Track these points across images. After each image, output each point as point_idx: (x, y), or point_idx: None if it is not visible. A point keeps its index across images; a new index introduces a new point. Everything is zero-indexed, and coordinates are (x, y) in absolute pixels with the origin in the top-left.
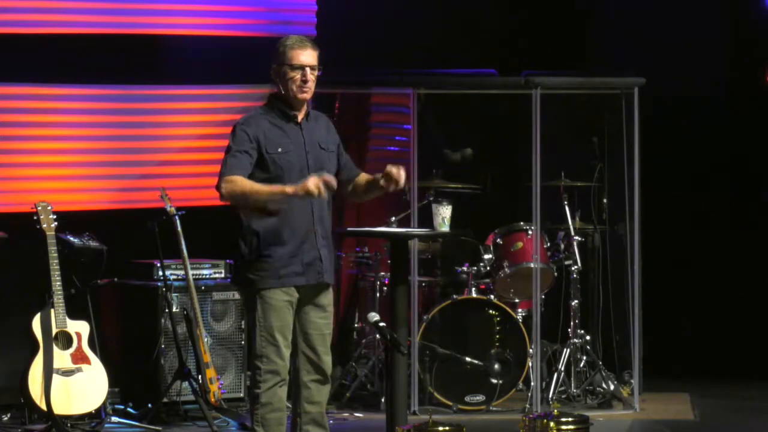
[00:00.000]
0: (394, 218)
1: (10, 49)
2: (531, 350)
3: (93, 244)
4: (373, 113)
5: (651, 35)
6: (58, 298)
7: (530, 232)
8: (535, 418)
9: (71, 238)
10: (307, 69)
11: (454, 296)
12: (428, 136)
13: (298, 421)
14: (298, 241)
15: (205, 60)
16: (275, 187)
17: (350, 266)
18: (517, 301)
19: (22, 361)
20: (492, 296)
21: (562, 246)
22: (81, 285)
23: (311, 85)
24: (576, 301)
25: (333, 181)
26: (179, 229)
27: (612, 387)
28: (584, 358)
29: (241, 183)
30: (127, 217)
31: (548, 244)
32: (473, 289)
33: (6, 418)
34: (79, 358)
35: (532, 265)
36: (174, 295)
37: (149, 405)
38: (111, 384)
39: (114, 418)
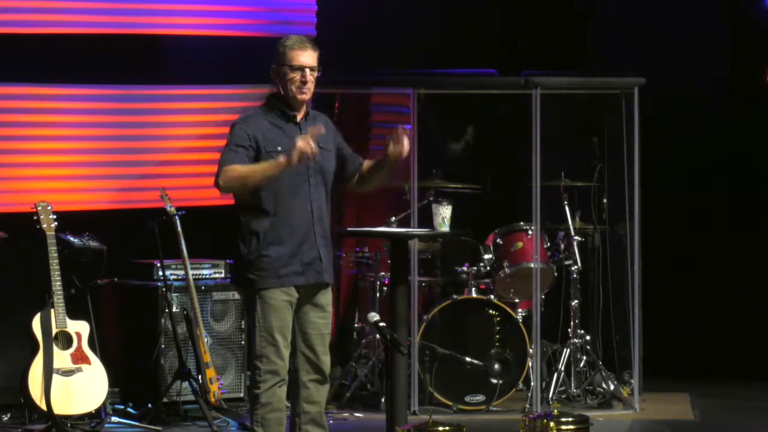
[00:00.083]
0: (394, 218)
1: (10, 49)
2: (531, 350)
3: (93, 244)
4: (373, 113)
5: (651, 35)
6: (58, 298)
7: (530, 232)
8: (535, 418)
9: (71, 238)
10: (307, 70)
11: (454, 296)
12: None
13: (297, 421)
14: (298, 241)
15: (205, 60)
16: (269, 162)
17: (350, 266)
18: (517, 301)
19: (22, 361)
20: (492, 296)
21: (562, 246)
22: (81, 285)
23: (310, 86)
24: (576, 301)
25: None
26: (179, 229)
27: (612, 387)
28: (584, 358)
29: (236, 169)
30: (127, 217)
31: (548, 244)
32: (473, 289)
33: (6, 418)
34: (79, 358)
35: (532, 265)
36: (174, 295)
37: (149, 405)
38: (111, 384)
39: (114, 418)
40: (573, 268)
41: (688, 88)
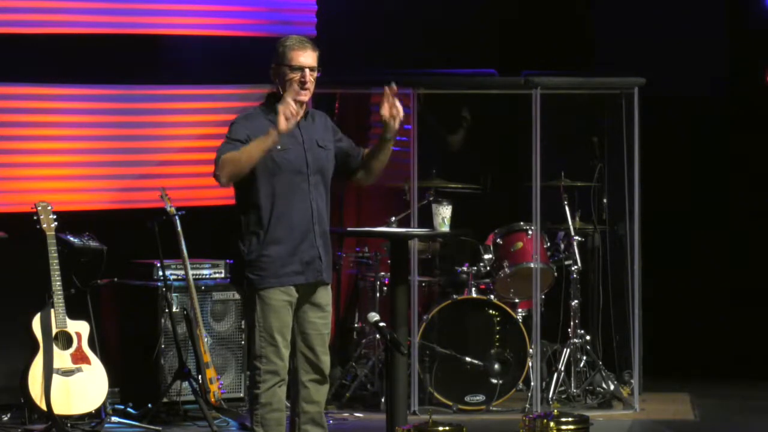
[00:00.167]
0: (394, 218)
1: (10, 49)
2: (531, 350)
3: (93, 244)
4: (373, 113)
5: (651, 35)
6: (58, 298)
7: (530, 232)
8: (535, 418)
9: (71, 238)
10: (306, 70)
11: (454, 296)
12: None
13: (296, 421)
14: (297, 240)
15: (205, 60)
16: (259, 138)
17: (350, 266)
18: (517, 301)
19: (22, 361)
20: (492, 296)
21: (562, 246)
22: (81, 285)
23: (310, 86)
24: (576, 301)
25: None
26: (179, 229)
27: (612, 387)
28: (584, 358)
29: (231, 154)
30: (127, 217)
31: (548, 244)
32: (473, 289)
33: (6, 418)
34: (79, 358)
35: (532, 265)
36: (174, 295)
37: (149, 405)
38: (111, 384)
39: (114, 418)
40: (573, 268)
41: (688, 88)
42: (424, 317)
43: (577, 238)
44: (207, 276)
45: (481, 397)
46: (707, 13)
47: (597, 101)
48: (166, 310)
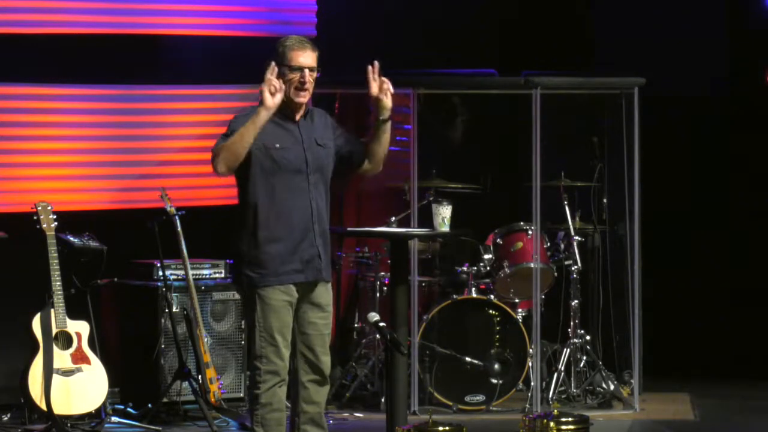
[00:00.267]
0: (394, 218)
1: (10, 49)
2: (531, 350)
3: (93, 244)
4: (373, 113)
5: (651, 35)
6: (58, 298)
7: (530, 232)
8: (535, 418)
9: (71, 238)
10: (306, 70)
11: (454, 296)
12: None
13: (296, 421)
14: (297, 239)
15: (205, 60)
16: (251, 119)
17: (350, 266)
18: (517, 301)
19: (22, 361)
20: (492, 296)
21: (562, 246)
22: (81, 285)
23: (309, 87)
24: (576, 301)
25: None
26: (179, 229)
27: (612, 387)
28: (584, 358)
29: (224, 142)
30: (127, 217)
31: (548, 244)
32: (473, 289)
33: (6, 418)
34: (79, 358)
35: (532, 265)
36: (174, 295)
37: (149, 405)
38: (111, 384)
39: (114, 418)
40: (573, 268)
41: (688, 88)
42: (424, 317)
43: (577, 238)
44: (207, 276)
45: (481, 397)
46: (707, 13)
47: (597, 101)
48: (166, 310)
